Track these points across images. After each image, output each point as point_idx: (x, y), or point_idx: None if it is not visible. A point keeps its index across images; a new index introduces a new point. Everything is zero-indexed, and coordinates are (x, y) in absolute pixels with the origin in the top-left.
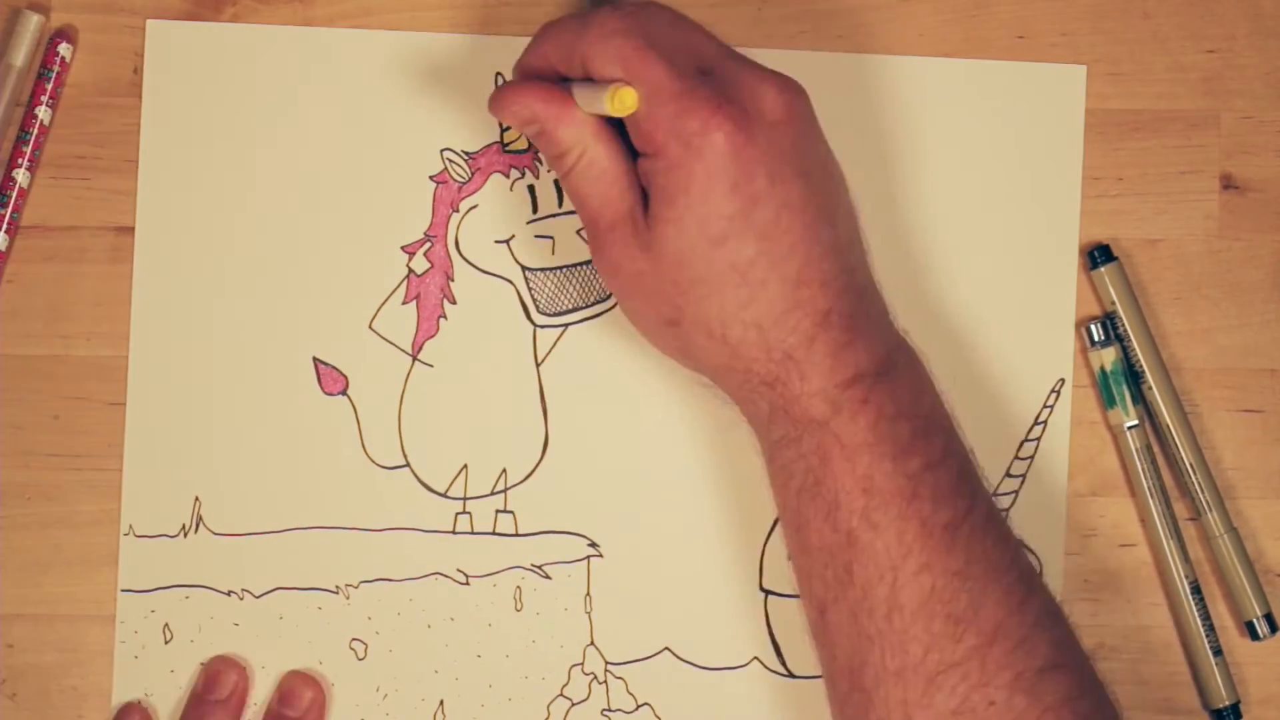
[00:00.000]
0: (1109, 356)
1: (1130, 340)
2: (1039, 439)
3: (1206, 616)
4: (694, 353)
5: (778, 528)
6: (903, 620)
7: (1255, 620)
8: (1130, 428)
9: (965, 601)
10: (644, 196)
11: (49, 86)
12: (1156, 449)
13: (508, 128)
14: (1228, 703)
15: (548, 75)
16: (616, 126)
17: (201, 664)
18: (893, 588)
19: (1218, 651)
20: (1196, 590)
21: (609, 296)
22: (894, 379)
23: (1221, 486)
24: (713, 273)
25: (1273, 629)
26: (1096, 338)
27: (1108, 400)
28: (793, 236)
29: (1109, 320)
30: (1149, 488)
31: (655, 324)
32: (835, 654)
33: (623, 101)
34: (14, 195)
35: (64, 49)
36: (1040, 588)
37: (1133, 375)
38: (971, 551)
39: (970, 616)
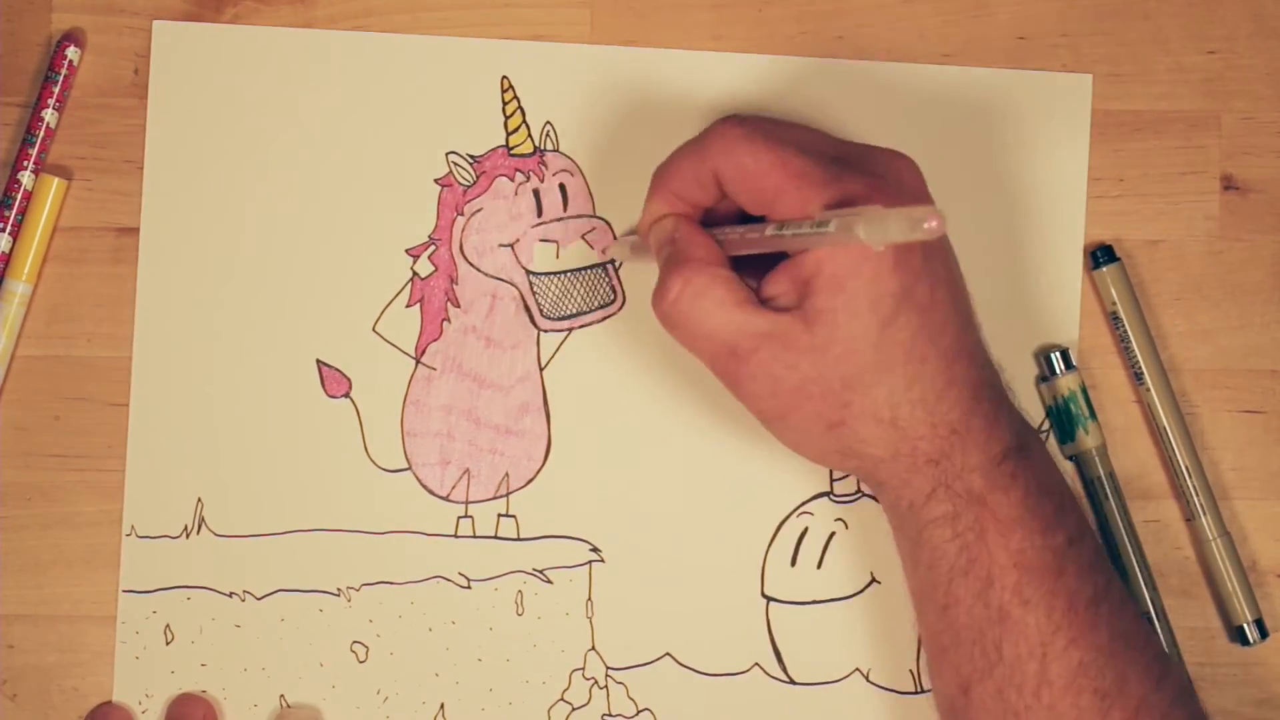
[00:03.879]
0: (1073, 383)
1: (1130, 341)
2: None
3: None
4: (858, 447)
5: (780, 534)
6: (1051, 695)
7: (1245, 625)
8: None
9: (1111, 677)
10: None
11: (55, 89)
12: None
13: (513, 130)
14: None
15: (685, 200)
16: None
17: (167, 701)
18: (1042, 663)
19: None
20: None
21: (613, 301)
22: (1033, 454)
23: (1221, 487)
24: (882, 355)
25: (1263, 634)
26: (1058, 368)
27: (1068, 433)
28: (945, 309)
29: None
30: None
31: (817, 432)
32: None
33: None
34: (19, 197)
35: (71, 52)
36: (1176, 665)
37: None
38: (1114, 627)
39: (1116, 692)
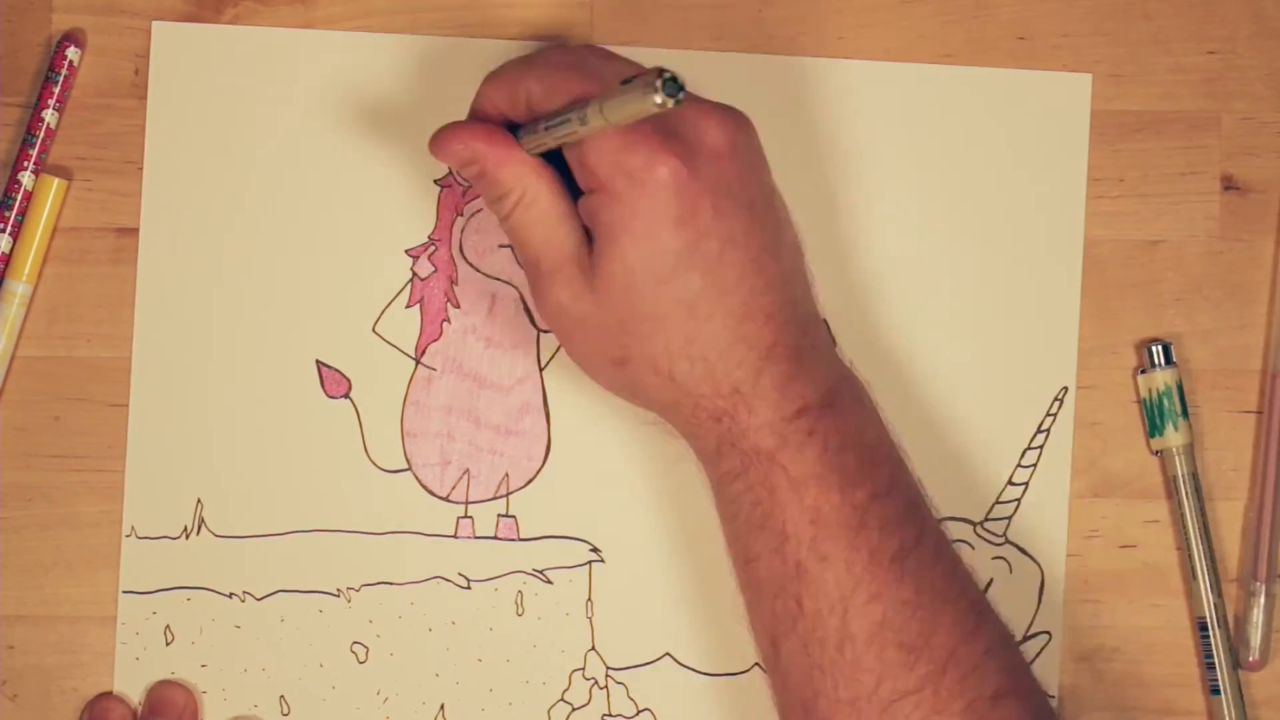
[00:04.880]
0: (1169, 378)
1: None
2: (1042, 447)
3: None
4: (642, 390)
5: None
6: (854, 650)
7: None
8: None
9: (916, 630)
10: (587, 236)
11: (56, 90)
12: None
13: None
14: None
15: (495, 120)
16: (556, 166)
17: (146, 688)
18: (843, 618)
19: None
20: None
21: None
22: (839, 410)
23: (1221, 487)
24: (659, 309)
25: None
26: (1157, 362)
27: (1157, 427)
28: (737, 270)
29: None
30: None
31: (602, 365)
32: (788, 685)
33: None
34: (19, 198)
35: (72, 53)
36: (992, 616)
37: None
38: (921, 580)
39: (922, 645)
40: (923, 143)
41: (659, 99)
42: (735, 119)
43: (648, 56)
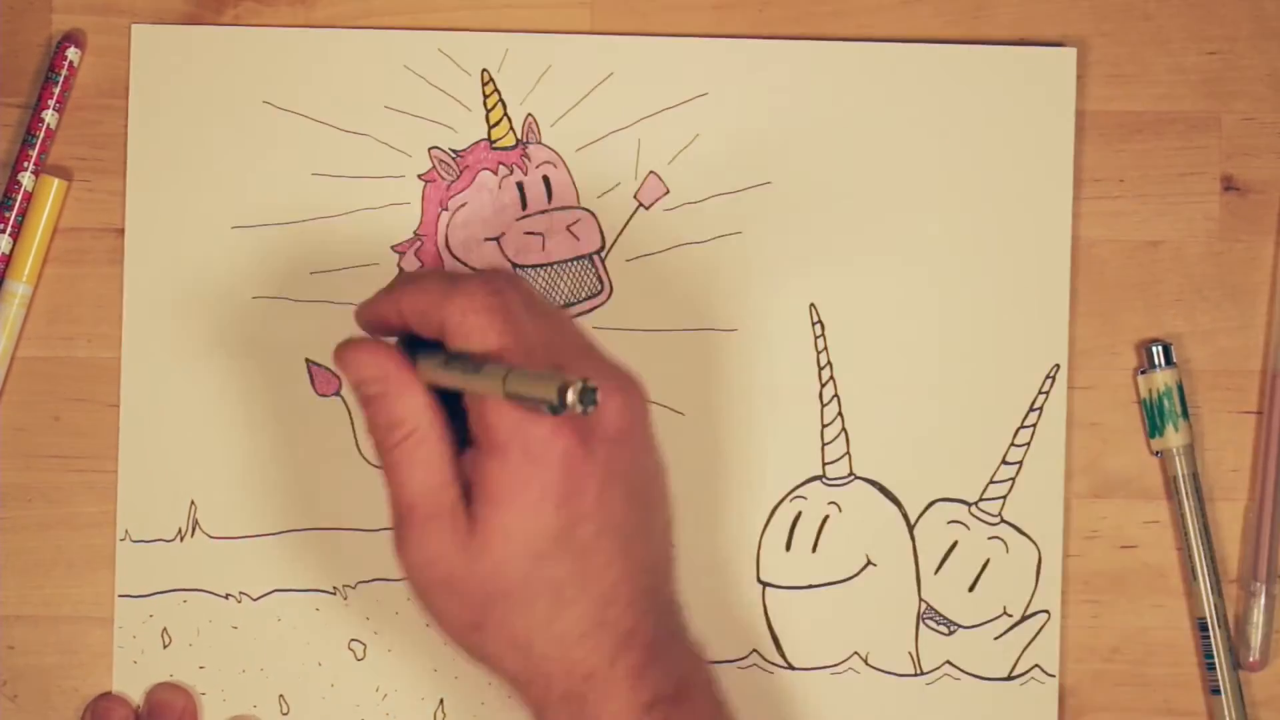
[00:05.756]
0: (1170, 379)
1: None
2: (1035, 425)
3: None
4: (495, 659)
5: (773, 519)
6: None
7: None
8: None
9: None
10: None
11: (56, 90)
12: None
13: (495, 124)
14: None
15: (394, 327)
16: (446, 410)
17: (145, 691)
18: None
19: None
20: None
21: (600, 292)
22: (691, 705)
23: (1222, 488)
24: (527, 587)
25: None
26: (1157, 362)
27: (1157, 428)
28: (607, 556)
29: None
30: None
31: (457, 626)
32: None
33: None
34: (19, 198)
35: (72, 53)
36: None
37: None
38: None
39: None
40: (910, 122)
41: (570, 404)
42: (631, 396)
43: (647, 46)
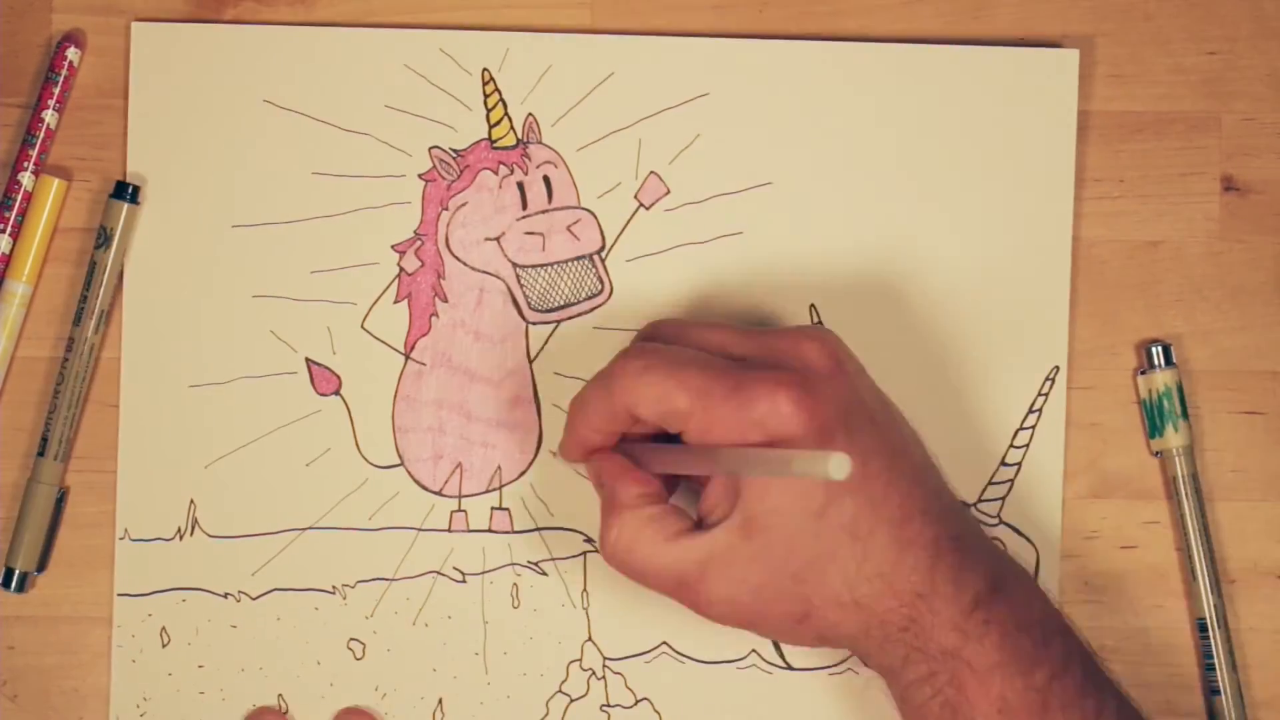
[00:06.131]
0: (1169, 379)
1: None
2: (1034, 427)
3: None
4: (830, 632)
5: None
6: None
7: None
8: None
9: None
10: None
11: (56, 90)
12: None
13: (495, 123)
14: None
15: (602, 447)
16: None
17: (246, 714)
18: None
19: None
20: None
21: (600, 292)
22: (1007, 593)
23: (1222, 488)
24: (824, 543)
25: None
26: (1157, 362)
27: (1157, 428)
28: (883, 478)
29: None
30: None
31: (788, 627)
32: None
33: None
34: (19, 199)
35: (72, 53)
36: None
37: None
38: None
39: None
40: (911, 122)
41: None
42: (824, 335)
43: (648, 45)
